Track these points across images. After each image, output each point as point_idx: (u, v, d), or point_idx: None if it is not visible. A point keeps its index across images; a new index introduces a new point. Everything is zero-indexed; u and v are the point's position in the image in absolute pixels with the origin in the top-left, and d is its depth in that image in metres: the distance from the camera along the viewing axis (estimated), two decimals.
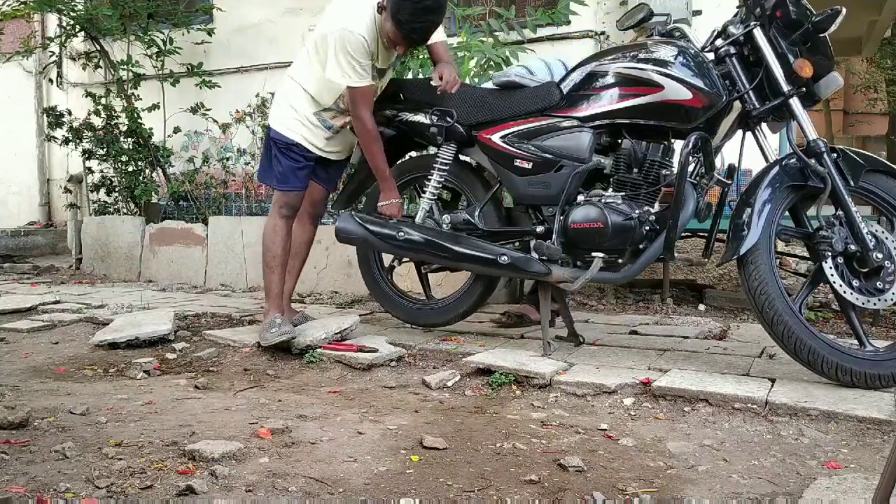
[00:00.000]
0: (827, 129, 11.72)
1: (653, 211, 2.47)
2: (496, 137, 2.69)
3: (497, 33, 4.06)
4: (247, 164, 6.07)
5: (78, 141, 5.61)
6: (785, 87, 2.30)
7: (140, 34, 5.79)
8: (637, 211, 2.43)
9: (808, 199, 2.33)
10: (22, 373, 2.58)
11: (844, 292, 2.20)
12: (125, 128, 5.60)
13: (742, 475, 1.64)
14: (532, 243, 2.64)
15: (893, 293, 2.17)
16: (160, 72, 5.86)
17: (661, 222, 2.43)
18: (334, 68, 2.62)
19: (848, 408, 1.96)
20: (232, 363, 2.73)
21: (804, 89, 2.32)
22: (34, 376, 2.54)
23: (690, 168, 2.41)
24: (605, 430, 1.95)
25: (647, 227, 2.44)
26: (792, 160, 2.29)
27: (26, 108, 7.67)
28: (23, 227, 7.18)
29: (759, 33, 2.33)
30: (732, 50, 2.40)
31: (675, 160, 2.42)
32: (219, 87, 5.88)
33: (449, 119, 2.73)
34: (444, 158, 2.82)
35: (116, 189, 5.75)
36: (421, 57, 3.84)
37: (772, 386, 2.17)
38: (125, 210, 5.73)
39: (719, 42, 2.46)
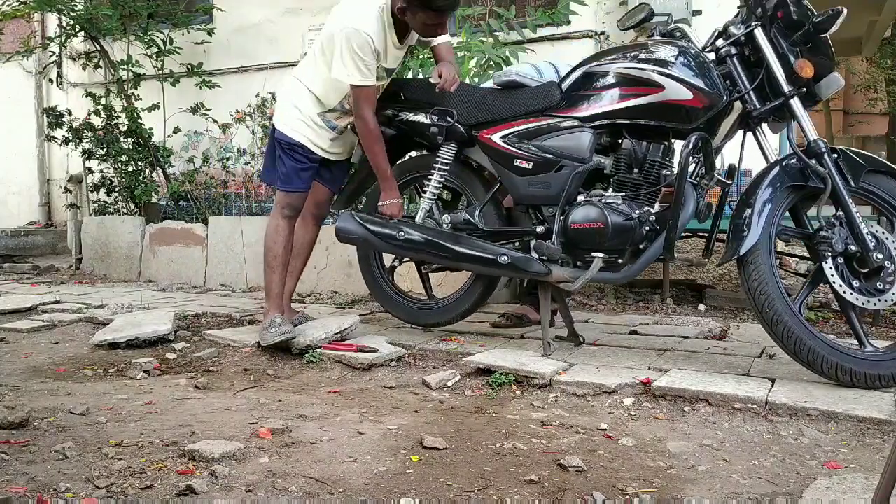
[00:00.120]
0: (827, 130, 11.73)
1: (653, 211, 2.47)
2: (496, 137, 2.69)
3: (497, 33, 4.06)
4: (247, 164, 6.08)
5: (78, 141, 5.61)
6: (786, 88, 2.30)
7: (140, 34, 5.78)
8: (637, 211, 2.43)
9: (808, 199, 2.33)
10: (22, 373, 2.58)
11: (844, 293, 2.20)
12: (125, 128, 5.60)
13: (742, 475, 1.64)
14: (532, 243, 2.64)
15: (893, 293, 2.17)
16: (160, 72, 5.85)
17: (662, 222, 2.43)
18: (339, 67, 2.63)
19: (848, 408, 1.96)
20: (232, 363, 2.73)
21: (805, 90, 2.32)
22: (34, 376, 2.54)
23: (691, 168, 2.41)
24: (605, 430, 1.95)
25: (648, 228, 2.44)
26: (792, 160, 2.29)
27: (26, 108, 7.67)
28: (23, 227, 7.18)
29: (760, 33, 2.33)
30: (733, 50, 2.40)
31: (676, 160, 2.42)
32: (219, 87, 5.88)
33: (449, 119, 2.73)
34: (444, 158, 2.82)
35: (116, 189, 5.75)
36: (421, 57, 3.85)
37: (772, 386, 2.17)
38: (125, 210, 5.73)
39: (720, 42, 2.45)
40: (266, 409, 2.12)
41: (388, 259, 3.14)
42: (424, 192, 2.89)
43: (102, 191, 5.79)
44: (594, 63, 2.60)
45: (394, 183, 2.85)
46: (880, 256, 2.18)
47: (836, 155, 2.26)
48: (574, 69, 2.66)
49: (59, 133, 5.70)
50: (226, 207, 6.14)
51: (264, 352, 2.77)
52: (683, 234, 3.49)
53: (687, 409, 2.09)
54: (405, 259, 3.09)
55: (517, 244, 2.73)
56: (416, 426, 1.96)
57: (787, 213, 2.35)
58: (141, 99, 5.77)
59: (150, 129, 5.66)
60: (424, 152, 3.10)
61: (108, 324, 3.16)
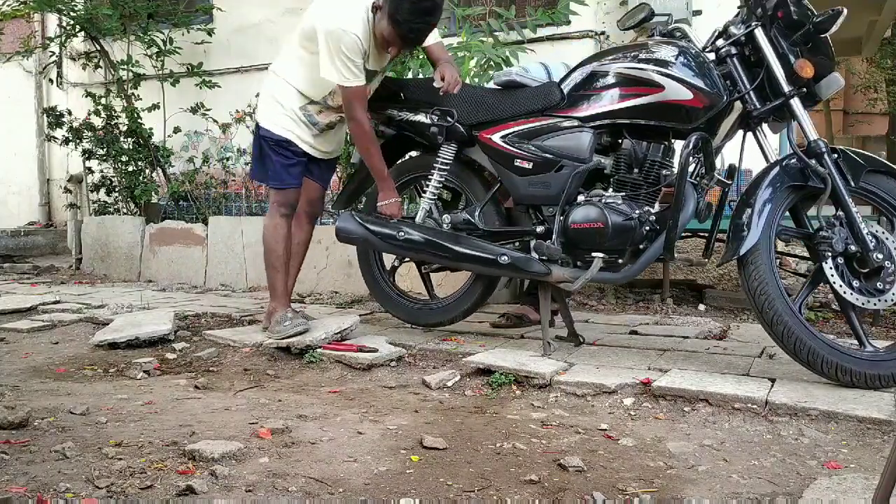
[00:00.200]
0: (827, 130, 11.72)
1: (653, 211, 2.47)
2: (496, 137, 2.69)
3: (497, 33, 4.06)
4: (247, 164, 6.07)
5: (78, 141, 5.61)
6: (786, 88, 2.30)
7: (140, 34, 5.79)
8: (637, 211, 2.43)
9: (808, 199, 2.33)
10: (22, 373, 2.58)
11: (844, 293, 2.20)
12: (125, 128, 5.60)
13: (742, 475, 1.64)
14: (532, 243, 2.64)
15: (893, 294, 2.17)
16: (160, 72, 5.86)
17: (662, 222, 2.43)
18: (329, 67, 2.61)
19: (848, 408, 1.96)
20: (232, 363, 2.73)
21: (805, 90, 2.32)
22: (34, 376, 2.54)
23: (691, 168, 2.41)
24: (605, 430, 1.95)
25: (648, 228, 2.44)
26: (792, 160, 2.29)
27: (26, 108, 7.67)
28: (23, 227, 7.18)
29: (760, 33, 2.33)
30: (733, 50, 2.40)
31: (676, 160, 2.42)
32: (219, 87, 5.89)
33: (449, 119, 2.73)
34: (444, 158, 2.82)
35: (116, 189, 5.75)
36: (421, 57, 3.84)
37: (772, 386, 2.17)
38: (125, 210, 5.73)
39: (720, 42, 2.45)
40: (266, 409, 2.12)
41: (388, 259, 3.14)
42: (424, 192, 2.89)
43: (102, 191, 5.79)
44: (594, 63, 2.60)
45: (391, 183, 2.85)
46: (880, 256, 2.18)
47: (836, 155, 2.26)
48: (574, 69, 2.66)
49: (59, 133, 5.71)
50: (226, 207, 6.15)
51: (264, 352, 2.77)
52: (683, 234, 3.50)
53: (687, 409, 2.09)
54: (405, 259, 3.09)
55: (517, 244, 2.73)
56: (416, 426, 1.96)
57: (787, 213, 2.35)
58: (141, 99, 5.78)
59: (150, 129, 5.66)
60: (424, 152, 3.10)
61: (108, 324, 3.16)
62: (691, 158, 2.35)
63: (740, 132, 2.53)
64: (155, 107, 5.70)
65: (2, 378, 2.47)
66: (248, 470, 1.60)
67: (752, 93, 2.37)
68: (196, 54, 6.00)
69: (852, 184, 2.24)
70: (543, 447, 1.81)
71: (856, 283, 2.20)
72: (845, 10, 2.23)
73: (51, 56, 6.52)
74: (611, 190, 2.53)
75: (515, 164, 2.65)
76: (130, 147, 5.62)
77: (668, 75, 2.38)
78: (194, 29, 5.99)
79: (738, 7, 2.50)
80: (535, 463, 1.70)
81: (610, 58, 2.58)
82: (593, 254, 2.48)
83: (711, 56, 2.46)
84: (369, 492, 1.51)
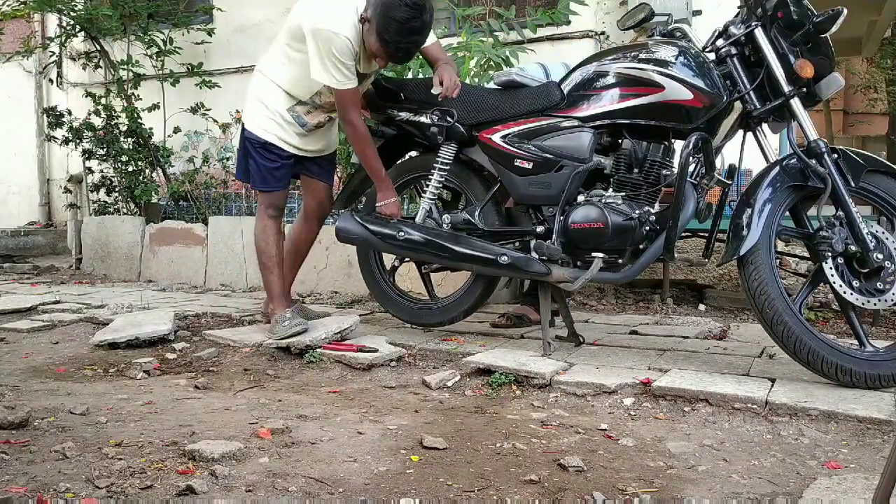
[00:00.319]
0: (827, 130, 11.72)
1: (653, 211, 2.47)
2: (497, 137, 2.69)
3: (497, 33, 4.06)
4: None
5: (78, 141, 5.61)
6: (786, 88, 2.30)
7: (140, 34, 5.79)
8: (637, 211, 2.43)
9: (808, 199, 2.33)
10: (22, 373, 2.58)
11: (844, 293, 2.20)
12: (125, 128, 5.60)
13: (742, 475, 1.64)
14: (532, 243, 2.64)
15: (894, 294, 2.17)
16: (160, 72, 5.86)
17: (662, 222, 2.43)
18: (320, 70, 2.59)
19: (848, 408, 1.96)
20: (232, 363, 2.73)
21: (805, 90, 2.32)
22: (34, 376, 2.54)
23: (691, 168, 2.41)
24: (605, 430, 1.95)
25: (648, 228, 2.44)
26: (792, 160, 2.29)
27: (26, 108, 7.67)
28: (23, 227, 7.18)
29: (760, 33, 2.33)
30: (733, 50, 2.40)
31: (676, 160, 2.42)
32: (219, 87, 5.89)
33: (449, 119, 2.73)
34: (444, 158, 2.81)
35: (116, 189, 5.76)
36: (421, 57, 3.84)
37: (772, 386, 2.17)
38: (125, 210, 5.73)
39: (720, 42, 2.45)
40: (266, 409, 2.12)
41: (388, 259, 3.14)
42: (424, 192, 2.89)
43: (102, 191, 5.79)
44: (594, 63, 2.60)
45: (389, 183, 2.84)
46: (880, 256, 2.18)
47: (836, 155, 2.26)
48: (574, 69, 2.66)
49: (59, 133, 5.71)
50: (226, 207, 6.15)
51: (264, 352, 2.77)
52: (683, 234, 3.49)
53: (687, 409, 2.09)
54: (405, 259, 3.09)
55: (517, 244, 2.73)
56: (416, 426, 1.96)
57: (787, 213, 2.35)
58: (141, 99, 5.78)
59: (150, 129, 5.66)
60: (424, 152, 3.09)
61: (108, 324, 3.16)
62: (691, 158, 2.35)
63: (740, 132, 2.53)
64: (155, 107, 5.70)
65: (2, 378, 2.47)
66: (248, 470, 1.60)
67: (752, 93, 2.37)
68: (196, 54, 6.00)
69: (852, 184, 2.24)
70: (543, 447, 1.81)
71: (856, 283, 2.20)
72: (845, 10, 2.23)
73: (51, 56, 6.52)
74: (611, 190, 2.53)
75: (515, 164, 2.65)
76: (130, 147, 5.62)
77: (668, 75, 2.38)
78: (194, 29, 5.99)
79: (738, 7, 2.50)
80: (535, 463, 1.70)
81: (610, 58, 2.58)
82: (593, 254, 2.48)
83: (711, 56, 2.46)
84: (369, 492, 1.51)
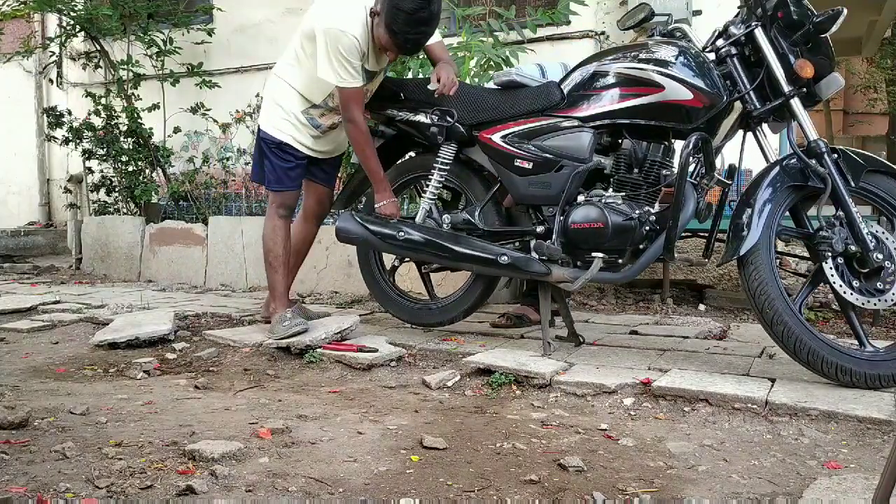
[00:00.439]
0: (827, 130, 11.73)
1: (653, 211, 2.47)
2: (496, 137, 2.69)
3: (497, 33, 4.06)
4: (247, 164, 6.08)
5: (78, 141, 5.61)
6: (786, 88, 2.30)
7: (140, 34, 5.79)
8: (637, 211, 2.43)
9: (808, 199, 2.33)
10: (22, 373, 2.58)
11: (844, 293, 2.20)
12: (125, 128, 5.60)
13: (742, 475, 1.64)
14: (532, 243, 2.64)
15: (894, 294, 2.17)
16: (160, 72, 5.86)
17: (662, 222, 2.43)
18: (326, 68, 2.62)
19: (848, 408, 1.96)
20: (232, 363, 2.73)
21: (805, 90, 2.32)
22: (34, 376, 2.54)
23: (691, 168, 2.41)
24: (605, 430, 1.95)
25: (648, 228, 2.44)
26: (792, 160, 2.29)
27: (26, 108, 7.67)
28: (23, 227, 7.18)
29: (760, 33, 2.33)
30: (733, 50, 2.40)
31: (676, 160, 2.42)
32: (219, 87, 5.89)
33: (449, 119, 2.73)
34: (444, 158, 2.81)
35: (116, 189, 5.76)
36: (421, 57, 3.84)
37: (772, 386, 2.17)
38: (125, 210, 5.73)
39: (720, 42, 2.45)
40: (266, 409, 2.12)
41: (388, 259, 3.14)
42: (424, 192, 2.89)
43: (102, 191, 5.79)
44: (594, 63, 2.60)
45: (387, 184, 2.85)
46: (880, 256, 2.18)
47: (836, 155, 2.26)
48: (574, 69, 2.66)
49: (59, 133, 5.71)
50: (226, 207, 6.15)
51: (264, 352, 2.77)
52: (683, 234, 3.49)
53: (687, 409, 2.09)
54: (405, 259, 3.09)
55: (517, 244, 2.73)
56: (416, 426, 1.96)
57: (787, 213, 2.35)
58: (141, 99, 5.78)
59: (150, 129, 5.66)
60: (424, 152, 3.09)
61: (108, 324, 3.16)
62: (691, 158, 2.35)
63: (740, 132, 2.53)
64: (155, 107, 5.70)
65: (2, 378, 2.47)
66: (248, 470, 1.60)
67: (752, 93, 2.37)
68: (196, 54, 6.00)
69: (852, 184, 2.24)
70: (543, 447, 1.81)
71: (856, 283, 2.20)
72: (845, 10, 2.23)
73: (51, 56, 6.52)
74: (611, 190, 2.53)
75: (515, 164, 2.65)
76: (130, 147, 5.62)
77: (668, 75, 2.38)
78: (194, 29, 5.99)
79: (738, 7, 2.50)
80: (535, 463, 1.70)
81: (610, 58, 2.58)
82: (593, 254, 2.48)
83: (711, 56, 2.46)
84: (369, 492, 1.51)
